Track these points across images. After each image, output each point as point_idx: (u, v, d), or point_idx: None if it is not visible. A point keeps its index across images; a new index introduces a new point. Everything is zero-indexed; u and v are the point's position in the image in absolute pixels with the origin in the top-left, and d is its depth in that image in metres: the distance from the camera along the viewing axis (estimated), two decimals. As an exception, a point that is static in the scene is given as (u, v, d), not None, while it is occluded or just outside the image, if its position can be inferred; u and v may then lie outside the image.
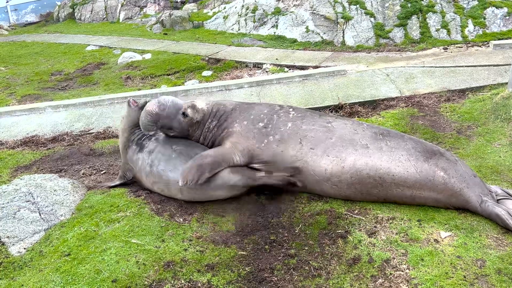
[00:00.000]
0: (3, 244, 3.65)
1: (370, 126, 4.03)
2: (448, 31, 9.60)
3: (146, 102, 4.25)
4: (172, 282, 3.10)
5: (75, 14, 17.98)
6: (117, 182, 4.53)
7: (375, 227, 3.52)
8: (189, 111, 4.11)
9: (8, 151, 5.85)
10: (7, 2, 20.09)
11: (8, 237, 3.71)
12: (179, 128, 4.17)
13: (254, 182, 4.02)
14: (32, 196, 4.18)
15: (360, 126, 4.01)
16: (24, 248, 3.63)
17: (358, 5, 10.40)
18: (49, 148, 5.95)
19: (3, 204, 4.03)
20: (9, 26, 19.50)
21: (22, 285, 3.15)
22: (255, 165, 4.07)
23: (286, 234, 3.58)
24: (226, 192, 4.03)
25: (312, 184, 3.94)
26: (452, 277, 2.90)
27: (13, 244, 3.66)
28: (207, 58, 10.15)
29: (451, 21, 9.75)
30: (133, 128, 4.48)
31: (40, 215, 4.00)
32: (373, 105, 6.59)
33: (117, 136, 6.15)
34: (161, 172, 4.08)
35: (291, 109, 4.28)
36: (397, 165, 3.64)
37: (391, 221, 3.57)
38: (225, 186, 3.99)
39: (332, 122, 4.04)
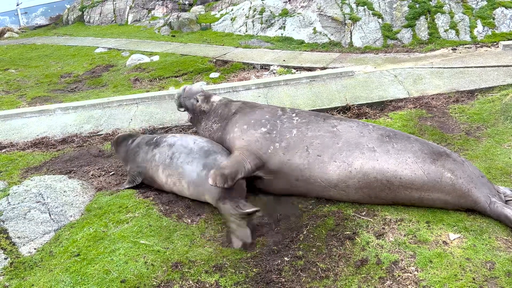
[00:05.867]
0: (14, 244, 3.70)
1: (376, 128, 4.00)
2: (457, 32, 9.54)
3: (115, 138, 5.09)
4: (180, 282, 3.12)
5: (84, 16, 18.15)
6: (126, 186, 4.57)
7: (383, 228, 3.50)
8: (199, 97, 4.72)
9: (18, 153, 5.92)
10: (17, 5, 20.34)
11: (19, 237, 3.76)
12: (191, 109, 4.80)
13: (223, 211, 3.82)
14: (42, 197, 4.23)
15: (366, 128, 3.98)
16: (35, 249, 3.67)
17: (365, 6, 10.38)
18: (58, 150, 6.01)
19: (14, 204, 4.09)
20: (19, 29, 19.72)
21: (33, 285, 3.19)
22: (262, 174, 4.06)
23: (293, 236, 3.59)
24: (210, 201, 3.98)
25: (318, 191, 3.92)
26: (461, 279, 2.88)
27: (23, 244, 3.70)
28: (214, 60, 10.19)
29: (459, 21, 9.68)
30: (123, 148, 4.87)
31: (50, 215, 4.04)
32: (381, 106, 6.56)
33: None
34: (179, 164, 4.15)
35: (294, 114, 4.24)
36: (404, 167, 3.63)
37: (399, 222, 3.55)
38: (208, 195, 3.95)
39: (338, 126, 4.00)
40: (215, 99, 4.74)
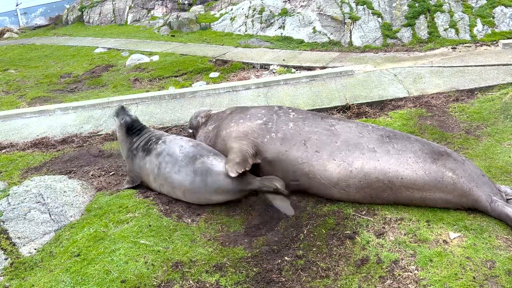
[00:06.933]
0: (14, 244, 3.70)
1: (376, 128, 3.98)
2: (457, 31, 9.54)
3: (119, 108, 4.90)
4: (181, 282, 3.12)
5: (84, 17, 18.15)
6: (126, 186, 4.57)
7: (383, 228, 3.50)
8: (202, 114, 5.09)
9: (18, 153, 5.92)
10: (17, 5, 20.34)
11: (19, 237, 3.76)
12: (196, 127, 5.09)
13: (250, 186, 3.94)
14: (42, 197, 4.23)
15: (365, 128, 3.96)
16: (35, 249, 3.67)
17: (365, 5, 10.37)
18: (58, 150, 6.01)
19: (14, 205, 4.09)
20: (19, 29, 19.72)
21: (33, 285, 3.19)
22: (260, 161, 4.07)
23: (293, 235, 3.59)
24: (224, 196, 4.01)
25: (319, 189, 3.91)
26: (462, 278, 2.88)
27: (24, 245, 3.70)
28: (214, 60, 10.18)
29: (459, 20, 9.68)
30: (129, 136, 4.66)
31: (50, 216, 4.04)
32: (381, 106, 6.56)
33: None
34: (167, 174, 4.12)
35: (290, 110, 4.29)
36: (406, 167, 3.63)
37: (399, 222, 3.55)
38: (221, 191, 3.97)
39: (336, 125, 4.00)
40: (214, 112, 5.08)
